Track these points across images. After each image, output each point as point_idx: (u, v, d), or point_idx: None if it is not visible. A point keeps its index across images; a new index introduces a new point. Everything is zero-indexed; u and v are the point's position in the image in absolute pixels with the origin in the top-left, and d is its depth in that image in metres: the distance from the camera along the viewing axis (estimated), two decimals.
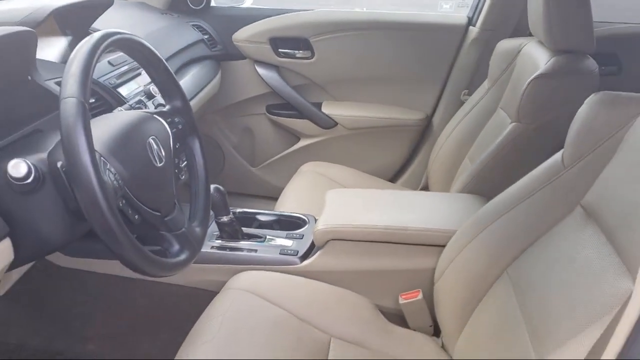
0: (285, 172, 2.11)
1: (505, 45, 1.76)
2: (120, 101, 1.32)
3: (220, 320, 1.14)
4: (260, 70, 2.27)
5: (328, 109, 2.26)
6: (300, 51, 2.22)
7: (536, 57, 1.48)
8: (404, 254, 1.30)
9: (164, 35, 1.88)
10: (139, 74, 1.50)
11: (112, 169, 0.87)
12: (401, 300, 1.28)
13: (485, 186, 1.45)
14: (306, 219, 1.50)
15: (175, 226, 0.99)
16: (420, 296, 1.27)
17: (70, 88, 0.79)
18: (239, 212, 1.51)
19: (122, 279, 1.37)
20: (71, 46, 1.45)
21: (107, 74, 1.36)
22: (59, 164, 0.84)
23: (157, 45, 1.09)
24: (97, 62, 0.86)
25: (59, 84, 1.15)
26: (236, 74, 2.32)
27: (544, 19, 1.38)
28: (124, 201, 0.87)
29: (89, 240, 1.20)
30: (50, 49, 1.39)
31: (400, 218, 1.32)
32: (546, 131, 1.38)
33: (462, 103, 1.98)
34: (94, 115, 1.00)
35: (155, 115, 1.06)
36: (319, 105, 2.27)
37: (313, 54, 2.21)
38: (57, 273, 1.39)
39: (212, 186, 1.28)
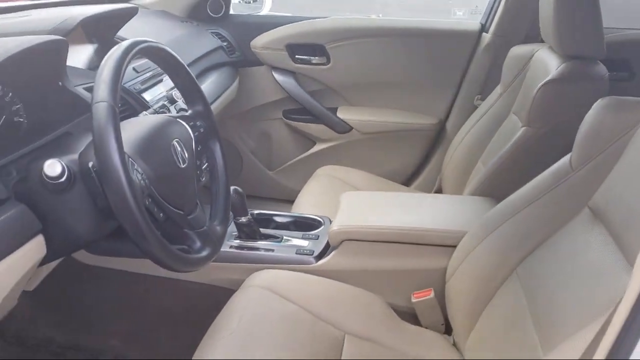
0: (301, 176, 2.15)
1: (517, 51, 1.79)
2: (145, 106, 1.38)
3: (238, 316, 1.18)
4: (277, 76, 2.33)
5: (343, 114, 2.31)
6: (316, 57, 2.27)
7: (547, 62, 1.51)
8: (416, 254, 1.34)
9: (185, 42, 1.94)
10: (161, 80, 1.56)
11: (140, 169, 0.92)
12: (413, 299, 1.32)
13: (496, 189, 1.47)
14: (321, 220, 1.54)
15: (197, 224, 1.04)
16: (432, 295, 1.30)
17: (101, 93, 0.85)
18: (257, 214, 1.56)
19: (145, 276, 1.42)
20: (97, 53, 1.52)
21: (132, 80, 1.42)
22: (90, 164, 0.90)
23: (178, 52, 1.14)
24: (126, 68, 0.91)
25: (87, 89, 1.21)
26: (254, 79, 2.37)
27: (554, 25, 1.41)
28: (150, 200, 0.92)
29: (114, 239, 1.26)
30: (77, 56, 1.45)
31: (413, 219, 1.36)
32: (556, 135, 1.41)
33: (475, 108, 2.02)
34: (121, 120, 1.06)
35: (178, 119, 1.11)
36: (334, 110, 2.32)
37: (329, 60, 2.26)
38: (82, 271, 1.44)
39: (232, 188, 1.33)
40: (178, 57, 1.11)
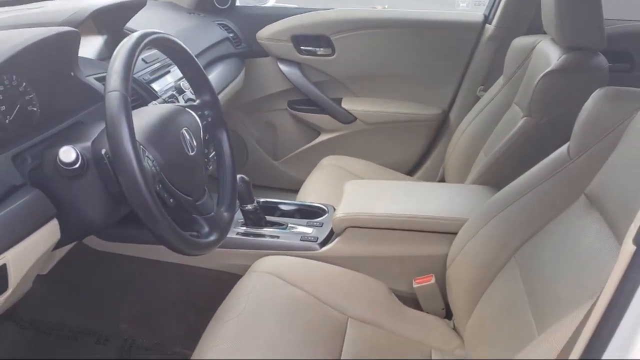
0: (306, 166, 2.19)
1: (520, 42, 1.82)
2: (154, 96, 1.42)
3: (245, 300, 1.22)
4: (283, 67, 2.36)
5: (348, 104, 2.34)
6: (321, 48, 2.29)
7: (549, 54, 1.53)
8: (418, 241, 1.37)
9: (192, 33, 1.97)
10: (170, 71, 1.59)
11: (150, 156, 0.96)
12: (415, 285, 1.35)
13: (497, 177, 1.50)
14: (326, 208, 1.58)
15: (206, 210, 1.08)
16: (433, 280, 1.34)
17: (114, 82, 0.88)
18: (263, 202, 1.60)
19: (154, 262, 1.46)
20: (107, 44, 1.55)
21: (141, 71, 1.45)
22: (103, 151, 0.94)
23: (186, 43, 1.17)
24: (137, 59, 0.94)
25: (98, 79, 1.24)
26: (259, 70, 2.41)
27: (556, 17, 1.43)
28: (160, 186, 0.96)
29: (124, 225, 1.30)
30: (88, 47, 1.49)
31: (415, 207, 1.39)
32: (556, 125, 1.44)
33: (478, 98, 2.04)
34: (132, 108, 1.10)
35: (187, 109, 1.15)
36: (339, 101, 2.35)
37: (334, 51, 2.28)
38: (93, 256, 1.48)
39: (238, 176, 1.36)
40: (187, 48, 1.14)
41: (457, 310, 1.26)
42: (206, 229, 1.06)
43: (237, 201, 1.42)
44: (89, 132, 1.05)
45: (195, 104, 1.22)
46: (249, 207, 1.44)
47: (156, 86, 1.46)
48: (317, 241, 1.42)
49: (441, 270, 1.33)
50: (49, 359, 1.56)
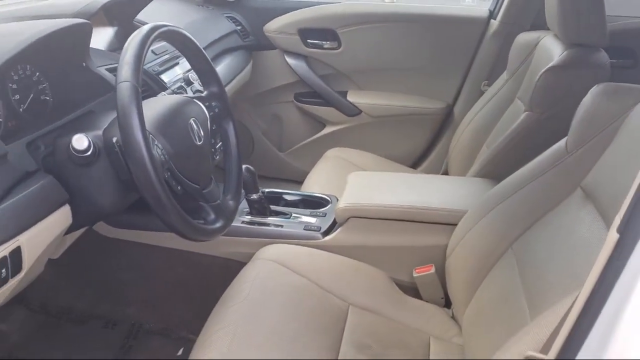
0: (311, 158, 2.22)
1: (524, 38, 1.83)
2: (163, 87, 1.45)
3: (249, 286, 1.25)
4: (289, 60, 2.38)
5: (353, 97, 2.36)
6: (328, 42, 2.32)
7: (551, 49, 1.55)
8: (419, 232, 1.40)
9: (201, 26, 2.00)
10: (178, 63, 1.63)
11: (159, 145, 0.99)
12: (415, 274, 1.39)
13: (497, 171, 1.53)
14: (329, 199, 1.61)
15: (212, 198, 1.11)
16: (432, 270, 1.37)
17: (125, 73, 0.92)
18: (268, 192, 1.63)
19: (161, 249, 1.50)
20: (117, 36, 1.59)
21: (151, 62, 1.49)
22: (114, 140, 0.97)
23: (194, 35, 1.20)
24: (147, 51, 0.98)
25: (109, 70, 1.28)
26: (266, 63, 2.44)
27: (558, 13, 1.45)
28: (168, 173, 1.00)
29: (132, 212, 1.34)
30: (99, 38, 1.52)
31: (416, 198, 1.42)
32: (556, 120, 1.46)
33: (482, 93, 2.07)
34: (142, 99, 1.13)
35: (195, 100, 1.18)
36: (344, 94, 2.38)
37: (340, 45, 2.31)
38: (102, 242, 1.52)
39: (244, 166, 1.40)
40: (195, 41, 1.18)
41: (456, 299, 1.29)
42: (212, 216, 1.10)
43: (243, 191, 1.45)
44: (100, 121, 1.08)
45: (202, 95, 1.25)
46: (254, 196, 1.48)
47: (165, 77, 1.50)
48: (320, 230, 1.46)
49: (441, 260, 1.36)
50: (58, 342, 1.61)
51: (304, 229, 1.46)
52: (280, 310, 1.20)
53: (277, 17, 2.34)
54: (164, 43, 1.60)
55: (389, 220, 1.41)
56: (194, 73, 1.54)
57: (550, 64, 1.45)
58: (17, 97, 1.12)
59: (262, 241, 1.44)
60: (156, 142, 0.98)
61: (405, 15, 2.25)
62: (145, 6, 1.63)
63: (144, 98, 1.14)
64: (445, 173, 2.14)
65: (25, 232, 0.94)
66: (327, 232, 1.46)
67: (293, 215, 1.53)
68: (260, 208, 1.50)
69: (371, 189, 1.51)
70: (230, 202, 1.19)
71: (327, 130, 2.46)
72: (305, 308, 1.23)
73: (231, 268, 1.37)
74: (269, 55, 2.42)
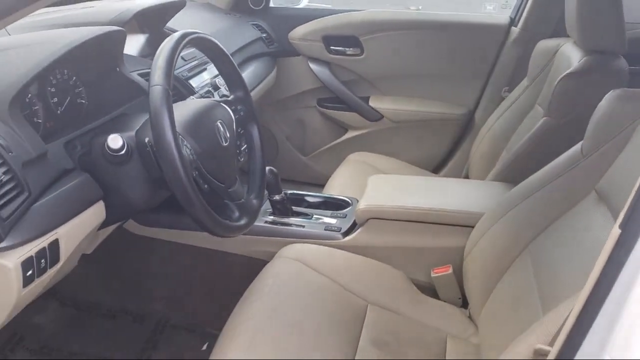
0: (333, 162, 2.26)
1: (544, 45, 1.85)
2: (191, 91, 1.51)
3: (271, 282, 1.30)
4: (313, 66, 2.44)
5: (375, 102, 2.40)
6: (351, 49, 2.37)
7: (571, 56, 1.57)
8: (437, 233, 1.44)
9: (228, 33, 2.07)
10: (206, 69, 1.69)
11: (188, 145, 1.05)
12: (433, 275, 1.42)
13: (515, 175, 1.54)
14: (350, 201, 1.65)
15: (237, 197, 1.17)
16: (450, 271, 1.40)
17: (157, 77, 0.98)
18: (290, 193, 1.68)
19: (187, 247, 1.56)
20: (148, 42, 1.66)
21: (180, 68, 1.55)
22: (146, 140, 1.03)
23: (222, 42, 1.26)
24: (178, 56, 1.04)
25: (141, 75, 1.34)
26: (291, 69, 2.49)
27: (577, 20, 1.47)
28: (196, 172, 1.05)
29: (160, 212, 1.40)
30: (131, 45, 1.59)
31: (435, 201, 1.46)
32: (574, 125, 1.46)
33: (502, 99, 2.09)
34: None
35: (221, 103, 1.24)
36: (366, 99, 2.42)
37: (362, 51, 2.35)
38: (132, 240, 1.59)
39: (267, 168, 1.45)
40: (222, 47, 1.23)
41: (473, 300, 1.32)
42: (237, 214, 1.15)
43: (266, 191, 1.50)
44: (133, 123, 1.15)
45: (229, 99, 1.31)
46: (277, 197, 1.53)
47: (194, 82, 1.56)
48: (340, 231, 1.50)
49: (458, 261, 1.39)
50: (88, 335, 1.68)
51: (324, 230, 1.51)
52: (301, 306, 1.24)
53: (302, 24, 2.40)
54: (192, 50, 1.67)
55: (407, 222, 1.44)
56: (221, 78, 1.60)
57: (569, 70, 1.47)
58: (55, 100, 1.19)
59: (284, 240, 1.48)
60: (185, 143, 1.04)
61: (427, 22, 2.28)
62: (175, 14, 1.70)
63: (174, 102, 1.21)
64: (466, 178, 2.16)
65: (62, 225, 1.00)
66: (347, 233, 1.50)
67: (314, 216, 1.58)
68: (283, 209, 1.55)
69: (390, 191, 1.54)
70: (254, 201, 1.24)
71: (349, 134, 2.50)
72: (325, 305, 1.27)
73: (254, 266, 1.42)
74: (293, 62, 2.48)
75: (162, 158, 0.96)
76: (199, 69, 1.65)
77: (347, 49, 2.37)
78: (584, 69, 1.46)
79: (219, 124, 1.16)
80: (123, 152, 1.02)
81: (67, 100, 1.23)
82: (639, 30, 1.95)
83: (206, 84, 1.62)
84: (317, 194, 1.72)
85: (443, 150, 2.42)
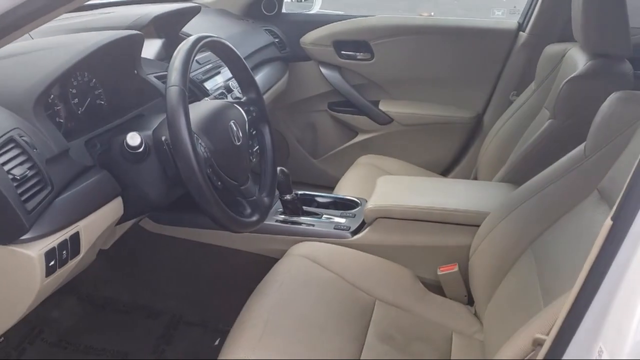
0: (343, 164, 2.29)
1: (552, 49, 1.88)
2: (205, 93, 1.56)
3: (281, 278, 1.34)
4: (324, 70, 2.48)
5: (385, 106, 2.44)
6: (361, 53, 2.41)
7: (577, 60, 1.60)
8: (443, 232, 1.47)
9: (241, 38, 2.12)
10: (220, 72, 1.74)
11: (203, 144, 1.09)
12: (439, 272, 1.45)
13: (521, 175, 1.57)
14: (359, 201, 1.69)
15: (249, 194, 1.21)
16: (456, 269, 1.43)
17: (174, 78, 1.02)
18: (301, 194, 1.72)
19: (200, 244, 1.61)
20: (164, 47, 1.71)
21: (195, 71, 1.61)
22: (163, 138, 1.08)
23: (235, 46, 1.31)
24: (194, 59, 1.09)
25: (158, 77, 1.40)
26: (302, 73, 2.54)
27: (582, 24, 1.50)
28: (210, 169, 1.10)
29: (175, 210, 1.44)
30: (147, 49, 1.64)
31: (441, 201, 1.49)
32: (579, 128, 1.48)
33: (510, 103, 2.12)
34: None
35: (234, 104, 1.29)
36: (376, 103, 2.46)
37: (373, 56, 2.40)
38: (147, 238, 1.64)
39: (278, 168, 1.49)
40: (236, 50, 1.28)
41: (478, 297, 1.35)
42: (248, 210, 1.19)
43: (277, 191, 1.54)
44: (150, 123, 1.20)
45: (242, 100, 1.36)
46: (288, 197, 1.57)
47: (208, 85, 1.61)
48: (349, 230, 1.53)
49: (464, 259, 1.41)
50: (104, 330, 1.73)
51: (334, 229, 1.54)
52: (310, 301, 1.28)
53: (313, 30, 2.45)
54: (206, 54, 1.72)
55: (415, 221, 1.48)
56: (234, 81, 1.65)
57: (574, 74, 1.50)
58: (76, 100, 1.24)
59: (294, 239, 1.52)
60: (200, 141, 1.09)
61: (436, 27, 2.32)
62: (191, 19, 1.76)
63: (190, 103, 1.26)
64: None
65: (83, 219, 1.05)
66: (356, 232, 1.53)
67: (324, 215, 1.62)
68: (294, 208, 1.59)
69: (398, 192, 1.58)
70: (265, 199, 1.29)
71: (360, 138, 2.54)
72: (334, 300, 1.30)
73: (265, 264, 1.45)
74: (304, 66, 2.53)
75: (178, 155, 1.00)
76: (213, 72, 1.70)
77: (357, 53, 2.42)
78: (589, 72, 1.49)
79: (232, 124, 1.20)
80: (141, 149, 1.07)
81: (87, 101, 1.28)
82: None
83: (220, 87, 1.67)
84: (327, 194, 1.76)
85: (452, 154, 2.45)
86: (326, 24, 2.43)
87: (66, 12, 0.87)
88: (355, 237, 1.52)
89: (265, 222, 1.41)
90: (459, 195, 1.55)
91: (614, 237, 0.67)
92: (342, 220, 1.58)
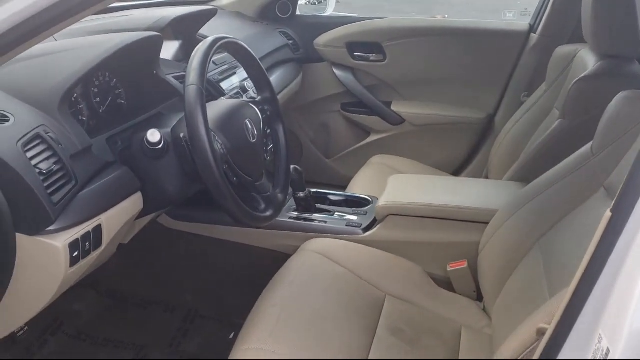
0: (356, 164, 2.32)
1: (562, 50, 1.90)
2: (221, 93, 1.61)
3: (294, 273, 1.37)
4: (337, 71, 2.52)
5: (397, 107, 2.47)
6: (374, 55, 2.44)
7: (587, 61, 1.62)
8: (453, 229, 1.50)
9: (256, 40, 2.16)
10: (235, 73, 1.79)
11: (219, 141, 1.14)
12: (449, 269, 1.47)
13: (531, 174, 1.59)
14: (370, 199, 1.72)
15: (263, 190, 1.25)
16: (465, 265, 1.45)
17: (193, 78, 1.07)
18: (314, 192, 1.75)
19: (216, 240, 1.65)
20: (182, 48, 1.76)
21: (212, 71, 1.65)
22: (181, 135, 1.12)
23: (250, 48, 1.35)
24: (211, 59, 1.13)
25: (176, 78, 1.44)
26: (315, 75, 2.58)
27: (592, 26, 1.52)
28: (226, 166, 1.14)
29: (191, 207, 1.49)
30: (166, 50, 1.69)
31: (451, 198, 1.52)
32: (588, 127, 1.50)
33: (521, 103, 2.13)
34: None
35: (250, 103, 1.33)
36: (388, 104, 2.49)
37: (385, 57, 2.43)
38: (164, 234, 1.68)
39: (292, 166, 1.53)
40: (251, 51, 1.33)
41: (487, 293, 1.37)
42: (263, 206, 1.23)
43: (291, 189, 1.58)
44: (168, 121, 1.25)
45: (256, 99, 1.40)
46: (301, 194, 1.61)
47: (224, 85, 1.66)
48: (361, 227, 1.57)
49: (474, 256, 1.44)
50: (122, 323, 1.77)
51: (346, 225, 1.58)
52: (323, 294, 1.31)
53: (327, 32, 2.48)
54: (223, 55, 1.76)
55: (425, 218, 1.51)
56: (249, 82, 1.70)
57: (583, 74, 1.52)
58: (97, 100, 1.29)
59: (307, 235, 1.56)
60: (217, 138, 1.13)
61: (448, 29, 2.35)
62: (207, 22, 1.80)
63: (207, 102, 1.30)
64: None
65: (105, 212, 1.10)
66: (367, 229, 1.57)
67: (336, 213, 1.65)
68: (307, 206, 1.63)
69: (409, 190, 1.61)
70: (279, 195, 1.32)
71: (372, 138, 2.57)
72: (345, 294, 1.33)
73: (278, 259, 1.49)
74: (318, 68, 2.56)
75: (195, 152, 1.05)
76: (229, 73, 1.75)
77: (370, 55, 2.45)
78: (599, 72, 1.51)
79: (247, 122, 1.24)
80: (160, 146, 1.12)
81: (109, 100, 1.33)
82: None
83: (235, 87, 1.71)
84: (339, 193, 1.79)
85: (463, 154, 2.47)
86: (339, 26, 2.47)
87: (89, 16, 0.91)
88: (367, 233, 1.55)
89: (278, 218, 1.46)
90: (468, 193, 1.58)
91: (613, 228, 0.70)
92: (354, 218, 1.62)
